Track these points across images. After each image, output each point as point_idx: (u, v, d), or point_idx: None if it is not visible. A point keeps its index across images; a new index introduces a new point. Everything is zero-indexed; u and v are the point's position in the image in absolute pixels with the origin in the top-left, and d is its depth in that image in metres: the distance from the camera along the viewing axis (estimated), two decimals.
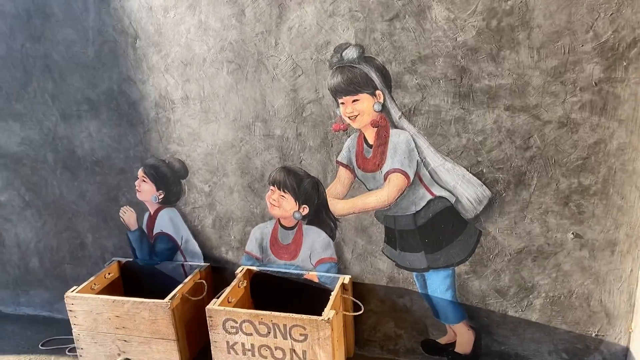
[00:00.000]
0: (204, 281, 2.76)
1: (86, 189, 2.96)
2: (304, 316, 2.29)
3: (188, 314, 2.66)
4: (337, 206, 2.57)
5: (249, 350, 2.41)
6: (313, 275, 2.69)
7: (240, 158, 2.63)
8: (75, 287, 2.69)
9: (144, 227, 2.93)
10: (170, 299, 2.52)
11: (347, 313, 2.60)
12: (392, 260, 2.57)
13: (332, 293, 2.45)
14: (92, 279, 2.78)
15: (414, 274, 2.56)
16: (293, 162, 2.56)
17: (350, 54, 2.31)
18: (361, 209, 2.53)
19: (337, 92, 2.38)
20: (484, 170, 2.31)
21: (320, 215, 2.61)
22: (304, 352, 2.34)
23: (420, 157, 2.37)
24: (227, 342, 2.43)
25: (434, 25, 2.18)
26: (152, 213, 2.90)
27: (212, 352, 2.48)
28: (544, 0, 2.04)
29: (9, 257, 3.27)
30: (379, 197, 2.47)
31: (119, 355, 2.65)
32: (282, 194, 2.62)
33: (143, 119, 2.72)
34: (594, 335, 2.40)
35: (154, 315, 2.53)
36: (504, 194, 2.31)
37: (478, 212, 2.37)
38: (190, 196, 2.79)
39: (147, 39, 2.58)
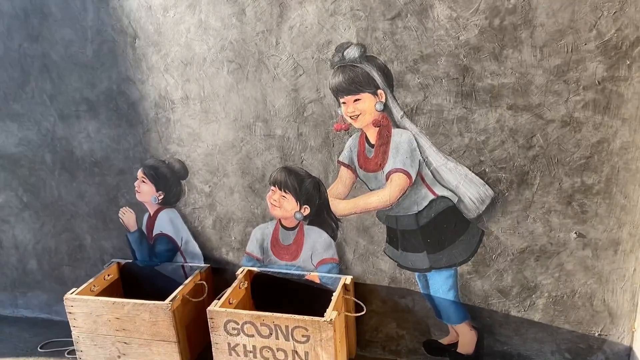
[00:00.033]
0: (204, 282, 2.74)
1: (85, 190, 2.93)
2: (306, 317, 2.28)
3: (189, 315, 2.64)
4: (339, 206, 2.55)
5: (250, 351, 2.39)
6: (314, 276, 2.67)
7: (241, 158, 2.61)
8: (74, 289, 2.66)
9: (144, 228, 2.91)
10: (171, 301, 2.49)
11: (349, 314, 2.58)
12: (394, 260, 2.55)
13: (334, 294, 2.44)
14: (91, 280, 2.75)
15: (416, 274, 2.54)
16: (294, 162, 2.55)
17: (352, 53, 2.30)
18: (363, 209, 2.52)
19: (339, 92, 2.37)
20: (487, 170, 2.29)
21: (321, 215, 2.60)
22: (306, 353, 2.32)
23: (422, 157, 2.36)
24: (229, 344, 2.42)
25: (436, 24, 2.17)
26: (151, 214, 2.87)
27: (213, 353, 2.46)
28: None
29: (7, 258, 3.24)
30: (381, 197, 2.46)
31: (119, 357, 2.63)
32: (283, 194, 2.60)
33: (142, 119, 2.70)
34: (596, 334, 2.39)
35: (154, 317, 2.51)
36: (506, 194, 2.30)
37: (480, 212, 2.36)
38: (190, 197, 2.77)
39: (146, 38, 2.55)
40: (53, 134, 2.87)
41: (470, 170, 2.31)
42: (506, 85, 2.16)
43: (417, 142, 2.34)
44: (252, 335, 2.36)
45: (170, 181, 2.77)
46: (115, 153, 2.80)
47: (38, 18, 2.67)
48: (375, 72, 2.30)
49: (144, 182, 2.81)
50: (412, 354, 2.69)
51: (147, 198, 2.84)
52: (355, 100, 2.36)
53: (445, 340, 2.61)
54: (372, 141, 2.41)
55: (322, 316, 2.28)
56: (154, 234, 2.90)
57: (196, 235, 2.84)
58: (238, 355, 2.41)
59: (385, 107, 2.34)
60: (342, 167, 2.48)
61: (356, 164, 2.46)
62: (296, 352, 2.33)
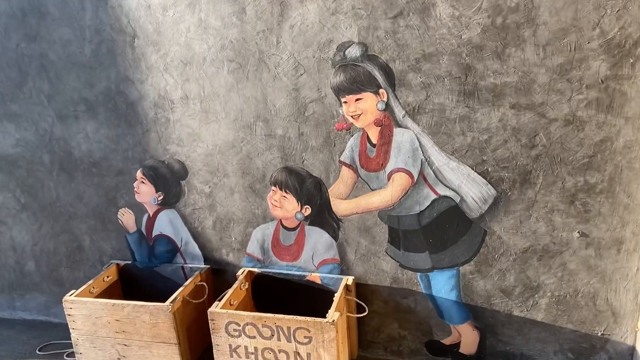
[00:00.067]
0: (204, 283, 2.72)
1: (83, 191, 2.91)
2: (309, 318, 2.26)
3: (189, 317, 2.62)
4: (340, 206, 2.54)
5: (252, 353, 2.38)
6: (316, 277, 2.66)
7: (241, 158, 2.59)
8: (73, 291, 2.64)
9: (143, 229, 2.89)
10: (171, 302, 2.47)
11: (351, 315, 2.57)
12: (395, 260, 2.54)
13: (335, 294, 2.42)
14: (90, 282, 2.73)
15: (418, 274, 2.53)
16: (295, 162, 2.53)
17: (353, 52, 2.28)
18: (364, 209, 2.50)
19: (340, 91, 2.35)
20: (489, 169, 2.28)
21: (322, 215, 2.58)
22: (309, 354, 2.31)
23: (424, 156, 2.34)
24: (230, 346, 2.40)
25: (439, 23, 2.16)
26: (151, 215, 2.85)
27: (214, 355, 2.44)
28: None
29: (4, 260, 3.21)
30: (383, 197, 2.45)
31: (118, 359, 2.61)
32: (284, 194, 2.59)
33: (142, 120, 2.67)
34: (599, 334, 2.39)
35: (154, 319, 2.49)
36: (509, 193, 2.29)
37: (483, 212, 2.35)
38: (190, 197, 2.75)
39: (145, 37, 2.53)
40: (51, 135, 2.84)
41: (473, 169, 2.30)
42: (509, 84, 2.15)
43: (419, 142, 2.33)
44: (254, 337, 2.35)
45: (170, 182, 2.75)
46: (114, 153, 2.78)
47: (36, 17, 2.64)
48: (376, 71, 2.28)
49: (143, 182, 2.79)
50: (414, 354, 2.67)
51: (146, 199, 2.82)
52: (357, 100, 2.34)
53: (447, 341, 2.60)
54: (374, 141, 2.39)
55: (324, 317, 2.26)
56: (153, 235, 2.88)
57: (196, 236, 2.82)
58: (239, 356, 2.40)
59: (387, 107, 2.32)
60: (344, 167, 2.47)
61: (358, 163, 2.45)
62: (298, 353, 2.32)
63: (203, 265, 2.83)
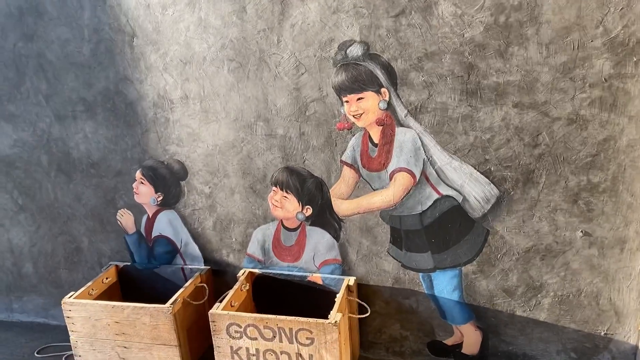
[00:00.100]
0: (205, 285, 2.70)
1: (82, 192, 2.88)
2: (311, 320, 2.24)
3: (189, 318, 2.60)
4: (342, 206, 2.52)
5: (253, 355, 2.36)
6: (317, 277, 2.64)
7: (242, 158, 2.57)
8: (72, 293, 2.61)
9: (142, 230, 2.86)
10: (172, 304, 2.45)
11: (354, 315, 2.55)
12: (397, 260, 2.52)
13: (337, 295, 2.40)
14: (89, 284, 2.70)
15: (420, 274, 2.52)
16: (296, 162, 2.51)
17: (355, 51, 2.27)
18: (366, 209, 2.48)
19: (342, 90, 2.34)
20: (492, 169, 2.27)
21: (324, 216, 2.56)
22: (311, 356, 2.29)
23: (426, 156, 2.33)
24: (231, 347, 2.38)
25: (441, 21, 2.14)
26: (150, 216, 2.83)
27: (215, 357, 2.42)
28: None
29: (2, 262, 3.18)
30: (385, 196, 2.43)
31: None
32: (285, 194, 2.57)
33: (141, 120, 2.65)
34: (602, 334, 2.38)
35: (155, 321, 2.46)
36: (512, 193, 2.28)
37: (486, 211, 2.33)
38: (190, 198, 2.73)
39: (144, 37, 2.51)
40: (49, 135, 2.81)
41: (475, 169, 2.29)
42: (512, 83, 2.14)
43: (421, 141, 2.31)
44: (255, 338, 2.33)
45: (170, 182, 2.73)
46: (113, 154, 2.76)
47: (33, 17, 2.61)
48: (378, 70, 2.26)
49: (142, 183, 2.77)
50: (416, 355, 2.66)
51: (145, 199, 2.80)
52: (359, 99, 2.32)
53: (449, 341, 2.59)
54: (376, 140, 2.38)
55: (325, 318, 2.25)
56: (152, 236, 2.86)
57: (196, 237, 2.80)
58: (241, 358, 2.38)
59: (389, 106, 2.31)
60: (345, 166, 2.45)
61: (359, 163, 2.43)
62: (300, 354, 2.30)
63: (203, 267, 2.81)
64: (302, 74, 2.36)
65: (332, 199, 2.52)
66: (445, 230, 2.40)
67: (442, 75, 2.20)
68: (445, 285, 2.49)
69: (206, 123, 2.56)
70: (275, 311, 2.36)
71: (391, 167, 2.38)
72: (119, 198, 2.84)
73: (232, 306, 2.46)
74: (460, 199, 2.34)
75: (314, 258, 2.64)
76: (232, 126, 2.53)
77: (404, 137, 2.33)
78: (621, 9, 1.96)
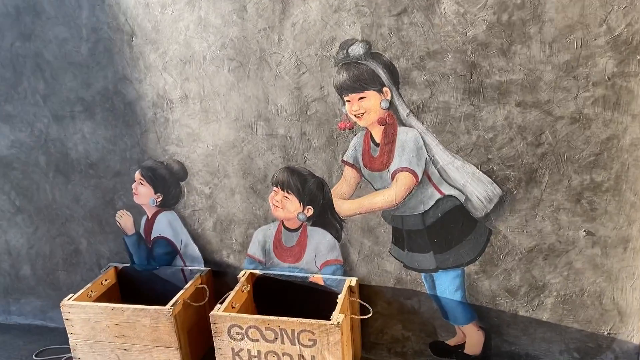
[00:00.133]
0: (205, 286, 2.67)
1: (80, 193, 2.85)
2: (313, 321, 2.23)
3: (190, 320, 2.58)
4: (343, 207, 2.50)
5: (255, 357, 2.34)
6: (318, 278, 2.62)
7: (242, 159, 2.55)
8: (71, 295, 2.59)
9: (142, 231, 2.84)
10: (172, 306, 2.43)
11: (356, 316, 2.53)
12: (399, 261, 2.51)
13: (339, 296, 2.38)
14: (88, 285, 2.68)
15: (423, 274, 2.50)
16: (297, 162, 2.49)
17: (357, 50, 2.25)
18: (368, 209, 2.47)
19: (343, 90, 2.32)
20: (495, 168, 2.26)
21: (325, 216, 2.54)
22: (313, 357, 2.27)
23: (428, 155, 2.31)
24: (233, 349, 2.35)
25: (443, 20, 2.13)
26: (149, 217, 2.80)
27: (217, 359, 2.39)
28: None
29: None
30: (387, 196, 2.42)
31: None
32: (286, 194, 2.55)
33: (140, 120, 2.63)
34: (606, 333, 2.37)
35: (155, 323, 2.44)
36: (514, 192, 2.27)
37: (488, 211, 2.32)
38: (189, 199, 2.70)
39: (144, 36, 2.49)
40: (47, 136, 2.78)
41: (478, 168, 2.28)
42: (514, 82, 2.13)
43: (424, 141, 2.30)
44: (257, 340, 2.31)
45: (169, 183, 2.70)
46: (112, 154, 2.73)
47: (30, 16, 2.59)
48: (380, 70, 2.25)
49: (141, 184, 2.74)
50: (418, 355, 2.64)
51: (145, 200, 2.77)
52: (360, 98, 2.31)
53: (452, 342, 2.58)
54: (377, 140, 2.36)
55: (327, 319, 2.23)
56: (152, 237, 2.83)
57: (196, 237, 2.77)
58: None
59: (391, 105, 2.29)
60: (347, 166, 2.43)
61: (361, 163, 2.42)
62: (302, 356, 2.28)
63: (203, 268, 2.79)
64: (303, 73, 2.34)
65: (334, 199, 2.50)
66: (447, 230, 2.39)
67: (445, 74, 2.19)
68: (447, 286, 2.47)
69: (206, 123, 2.54)
70: (276, 312, 2.34)
71: (393, 166, 2.37)
72: (118, 199, 2.81)
73: (233, 308, 2.44)
74: (462, 198, 2.33)
75: (315, 259, 2.62)
76: (233, 126, 2.51)
77: (406, 136, 2.31)
78: (625, 7, 1.95)
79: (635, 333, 2.33)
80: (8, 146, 2.87)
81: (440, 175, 2.33)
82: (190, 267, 2.81)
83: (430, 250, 2.44)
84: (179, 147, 2.62)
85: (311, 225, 2.58)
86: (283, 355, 2.30)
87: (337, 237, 2.56)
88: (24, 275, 3.13)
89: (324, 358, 2.25)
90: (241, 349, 2.34)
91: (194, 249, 2.79)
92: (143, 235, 2.84)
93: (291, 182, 2.52)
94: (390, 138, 2.34)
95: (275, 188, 2.56)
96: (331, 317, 2.23)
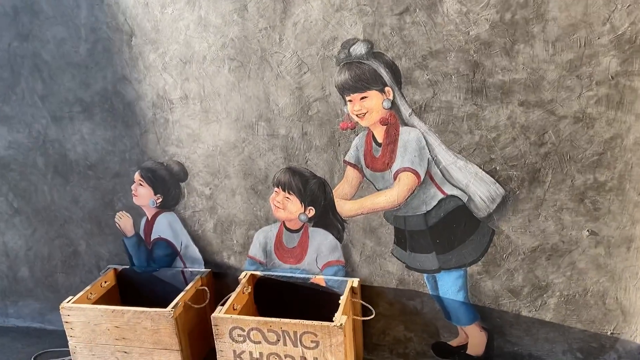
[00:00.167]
0: (206, 288, 2.66)
1: (79, 194, 2.83)
2: (315, 322, 2.21)
3: (191, 322, 2.56)
4: (345, 207, 2.49)
5: (257, 359, 2.32)
6: (320, 279, 2.61)
7: (243, 159, 2.53)
8: (70, 297, 2.56)
9: (141, 232, 2.82)
10: (173, 308, 2.41)
11: (358, 317, 2.52)
12: (402, 261, 2.50)
13: (341, 297, 2.37)
14: (88, 288, 2.65)
15: (425, 275, 2.49)
16: (298, 163, 2.48)
17: (359, 49, 2.24)
18: (370, 209, 2.45)
19: (345, 90, 2.30)
20: (497, 168, 2.25)
21: (327, 216, 2.53)
22: (315, 359, 2.25)
23: (431, 155, 2.30)
24: (234, 351, 2.34)
25: (446, 19, 2.11)
26: (149, 218, 2.78)
27: None
28: None
29: None
30: (389, 197, 2.40)
31: None
32: (287, 195, 2.53)
33: (139, 120, 2.60)
34: (609, 333, 2.36)
35: (156, 325, 2.42)
36: (517, 192, 2.26)
37: (491, 211, 2.31)
38: (190, 200, 2.68)
39: (143, 36, 2.46)
40: (45, 137, 2.76)
41: (481, 168, 2.26)
42: (517, 81, 2.12)
43: (426, 140, 2.29)
44: (259, 342, 2.29)
45: (169, 184, 2.68)
46: (111, 155, 2.71)
47: (28, 16, 2.56)
48: (382, 69, 2.23)
49: (141, 185, 2.72)
50: (420, 356, 2.63)
51: (144, 202, 2.75)
52: (362, 98, 2.29)
53: (454, 342, 2.56)
54: (380, 140, 2.35)
55: (329, 320, 2.21)
56: (152, 239, 2.81)
57: (196, 239, 2.75)
58: None
59: (393, 105, 2.28)
60: (348, 166, 2.42)
61: (363, 163, 2.40)
62: (305, 358, 2.26)
63: (204, 269, 2.77)
64: (305, 73, 2.32)
65: (335, 200, 2.48)
66: (450, 230, 2.38)
67: (447, 73, 2.17)
68: (450, 286, 2.46)
69: (206, 123, 2.52)
70: (277, 314, 2.33)
71: (395, 166, 2.35)
72: (117, 200, 2.79)
73: (234, 309, 2.42)
74: (465, 198, 2.32)
75: (317, 259, 2.60)
76: (233, 126, 2.49)
77: (408, 136, 2.30)
78: (628, 5, 1.95)
79: (639, 333, 2.33)
80: (6, 147, 2.84)
81: (443, 175, 2.32)
82: (190, 269, 2.79)
83: (432, 251, 2.43)
84: (179, 148, 2.60)
85: (313, 226, 2.57)
86: (285, 357, 2.29)
87: (339, 238, 2.54)
88: (22, 278, 3.10)
89: None
90: (243, 351, 2.32)
91: (194, 251, 2.77)
92: (143, 237, 2.82)
93: (292, 182, 2.51)
94: (392, 138, 2.32)
95: (276, 189, 2.54)
96: (333, 318, 2.22)
